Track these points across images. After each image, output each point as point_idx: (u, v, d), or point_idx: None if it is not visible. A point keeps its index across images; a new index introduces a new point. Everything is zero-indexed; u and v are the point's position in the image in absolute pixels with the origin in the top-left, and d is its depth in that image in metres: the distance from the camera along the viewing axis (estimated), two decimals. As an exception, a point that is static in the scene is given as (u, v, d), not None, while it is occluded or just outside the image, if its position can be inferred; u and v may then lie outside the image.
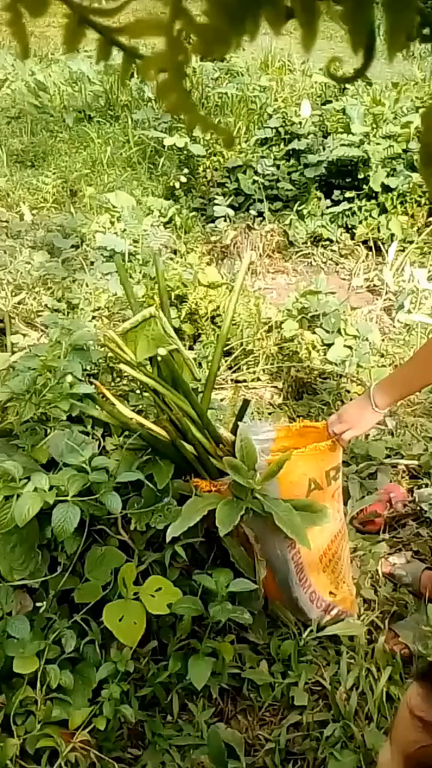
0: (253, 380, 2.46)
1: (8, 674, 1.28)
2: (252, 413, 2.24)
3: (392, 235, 3.24)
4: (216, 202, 3.45)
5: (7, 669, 1.27)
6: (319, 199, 3.48)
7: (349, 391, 2.35)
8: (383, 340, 2.65)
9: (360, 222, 3.35)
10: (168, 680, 1.41)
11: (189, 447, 1.40)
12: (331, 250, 3.35)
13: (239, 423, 1.46)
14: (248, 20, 0.31)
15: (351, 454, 2.05)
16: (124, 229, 3.21)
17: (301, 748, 1.38)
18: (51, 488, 1.21)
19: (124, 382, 1.77)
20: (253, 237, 3.27)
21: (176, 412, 1.38)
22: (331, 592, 1.53)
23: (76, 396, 1.40)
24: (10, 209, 3.64)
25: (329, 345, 2.51)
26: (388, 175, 3.31)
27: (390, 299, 2.92)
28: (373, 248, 3.28)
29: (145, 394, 1.60)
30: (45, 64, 6.03)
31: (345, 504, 1.69)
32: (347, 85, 4.19)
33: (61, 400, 1.34)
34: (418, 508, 1.90)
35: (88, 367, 1.58)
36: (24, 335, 2.42)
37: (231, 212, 3.42)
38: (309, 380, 2.42)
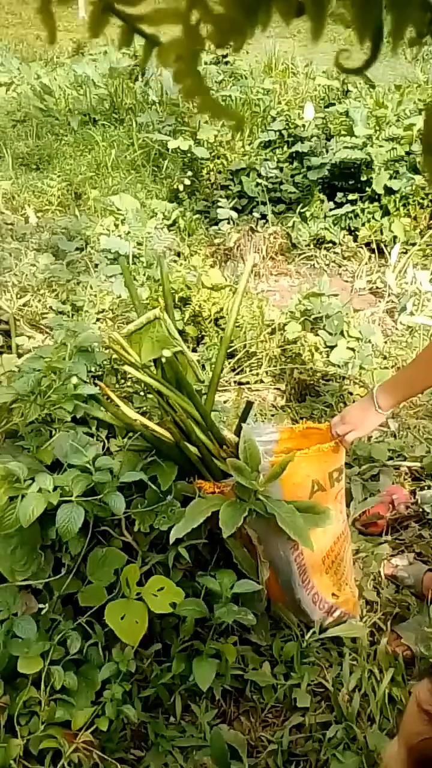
0: (256, 382, 2.47)
1: (12, 674, 1.29)
2: (255, 415, 2.25)
3: (395, 237, 3.25)
4: (219, 204, 3.47)
5: (11, 669, 1.28)
6: (322, 201, 3.49)
7: (351, 393, 2.36)
8: (386, 342, 2.66)
9: (363, 224, 3.36)
10: (171, 681, 1.42)
11: (193, 448, 1.41)
12: (334, 253, 3.35)
13: (243, 425, 1.46)
14: (261, 11, 0.32)
15: (353, 456, 2.06)
16: (128, 232, 3.23)
17: (304, 750, 1.38)
18: (55, 489, 1.22)
19: (128, 383, 1.78)
20: (257, 239, 3.28)
21: (180, 413, 1.39)
22: (333, 594, 1.53)
23: (80, 397, 1.41)
24: (15, 212, 3.66)
25: (332, 347, 2.51)
26: (390, 178, 3.32)
27: (393, 301, 2.93)
28: (376, 250, 3.28)
29: (149, 395, 1.61)
30: (50, 68, 6.07)
31: (347, 506, 1.69)
32: (350, 88, 4.20)
33: (65, 402, 1.35)
34: (421, 510, 1.90)
35: (92, 369, 1.59)
36: (29, 337, 2.44)
37: (234, 215, 3.43)
38: (312, 382, 2.43)
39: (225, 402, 2.27)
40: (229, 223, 3.39)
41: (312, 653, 1.51)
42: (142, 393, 1.71)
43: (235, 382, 2.48)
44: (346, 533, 1.54)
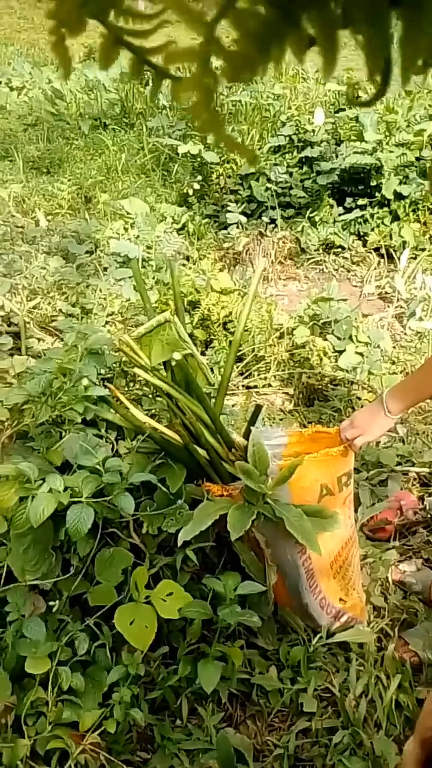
0: (264, 386, 2.47)
1: (20, 674, 1.29)
2: (263, 419, 2.25)
3: (404, 242, 3.25)
4: (229, 209, 3.48)
5: (19, 669, 1.28)
6: (332, 206, 3.49)
7: (360, 398, 2.36)
8: (395, 347, 2.65)
9: (372, 229, 3.36)
10: (178, 684, 1.42)
11: (201, 451, 1.42)
12: (343, 258, 3.36)
13: (251, 428, 1.46)
14: (274, 47, 0.33)
15: (362, 461, 2.05)
16: (138, 236, 3.24)
17: (310, 755, 1.37)
18: (65, 489, 1.22)
19: (138, 386, 1.79)
20: (266, 244, 3.29)
21: (189, 416, 1.39)
22: (341, 599, 1.53)
23: (90, 399, 1.42)
24: (25, 215, 3.68)
25: (341, 352, 2.51)
26: (400, 183, 3.32)
27: (402, 306, 2.92)
28: (385, 256, 3.28)
29: (159, 398, 1.62)
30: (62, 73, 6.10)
31: (355, 511, 1.69)
32: (360, 94, 4.20)
33: (76, 403, 1.36)
34: (429, 515, 1.89)
35: (102, 371, 1.60)
36: (39, 339, 2.45)
37: (243, 219, 3.44)
38: (320, 387, 2.43)
39: (233, 406, 2.28)
40: (238, 227, 3.40)
41: (319, 658, 1.51)
42: (151, 395, 1.72)
43: (243, 386, 2.48)
44: (354, 538, 1.54)
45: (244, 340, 2.49)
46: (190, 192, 3.70)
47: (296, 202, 3.57)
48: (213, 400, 1.51)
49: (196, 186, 3.71)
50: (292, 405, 2.40)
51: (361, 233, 3.40)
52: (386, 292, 3.08)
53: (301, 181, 3.59)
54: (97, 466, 1.29)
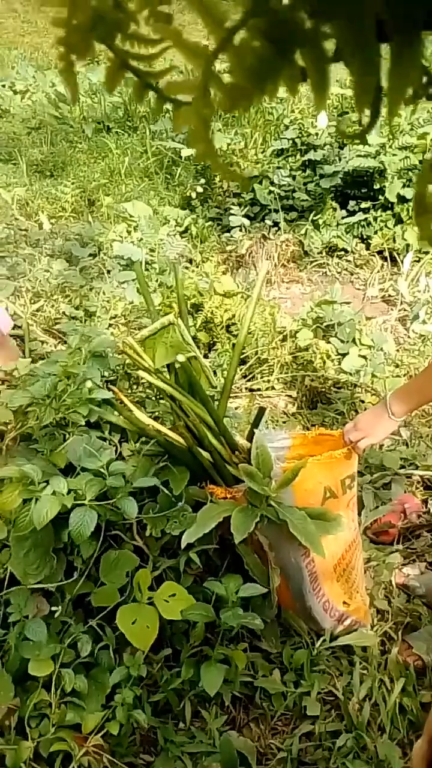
0: (267, 389, 2.47)
1: (23, 677, 1.29)
2: (266, 422, 2.25)
3: (407, 245, 3.25)
4: (232, 212, 3.48)
5: (22, 671, 1.28)
6: (335, 209, 3.50)
7: (363, 401, 2.35)
8: (398, 350, 2.65)
9: (375, 232, 3.36)
10: (181, 687, 1.42)
11: (205, 454, 1.42)
12: (346, 260, 3.36)
13: (255, 430, 1.47)
14: (269, 81, 0.35)
15: (365, 464, 2.05)
16: (141, 239, 3.25)
17: (313, 758, 1.37)
18: (69, 492, 1.23)
19: (141, 388, 1.79)
20: (269, 247, 3.29)
21: (193, 418, 1.39)
22: (344, 602, 1.52)
23: (94, 402, 1.42)
24: (29, 218, 3.70)
25: (344, 355, 2.51)
26: (403, 186, 3.32)
27: (405, 309, 2.92)
28: (388, 258, 3.28)
29: (162, 400, 1.62)
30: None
31: (359, 514, 1.68)
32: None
33: (80, 406, 1.36)
34: (433, 519, 1.89)
35: (106, 374, 1.60)
36: (42, 342, 2.46)
37: (246, 222, 3.45)
38: (323, 390, 2.43)
39: (236, 408, 2.28)
40: (241, 230, 3.41)
41: (322, 661, 1.51)
42: (154, 398, 1.72)
43: (246, 388, 2.48)
44: (358, 541, 1.54)
45: (247, 343, 2.49)
46: (193, 195, 3.71)
47: (299, 205, 3.57)
48: (216, 403, 1.51)
49: (199, 189, 3.71)
50: (295, 408, 2.40)
51: (365, 236, 3.40)
52: (389, 295, 3.08)
53: (304, 184, 3.59)
54: (101, 469, 1.30)
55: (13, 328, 2.47)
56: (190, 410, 1.40)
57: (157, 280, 2.95)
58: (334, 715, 1.44)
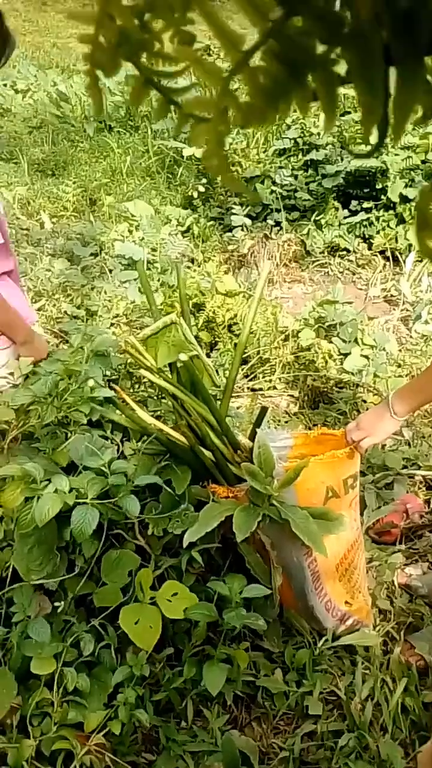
0: (269, 388, 2.47)
1: (26, 675, 1.29)
2: (268, 421, 2.25)
3: (410, 245, 3.25)
4: (233, 211, 3.48)
5: (24, 670, 1.28)
6: (337, 209, 3.50)
7: (365, 401, 2.35)
8: (400, 350, 2.65)
9: (377, 232, 3.36)
10: (183, 686, 1.41)
11: (207, 453, 1.41)
12: (348, 260, 3.36)
13: (257, 430, 1.46)
14: (282, 101, 0.36)
15: (367, 464, 2.05)
16: (143, 238, 3.25)
17: (315, 758, 1.37)
18: (71, 490, 1.22)
19: (143, 387, 1.79)
20: (271, 246, 3.29)
21: (195, 417, 1.39)
22: (346, 602, 1.52)
23: (96, 400, 1.42)
24: (30, 217, 3.70)
25: (346, 354, 2.51)
26: (406, 186, 3.32)
27: (407, 309, 2.92)
28: (391, 258, 3.28)
29: (164, 399, 1.62)
30: (67, 75, 6.14)
31: (361, 514, 1.68)
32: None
33: (82, 404, 1.36)
34: (435, 519, 1.89)
35: (108, 373, 1.60)
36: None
37: (248, 222, 3.44)
38: (325, 389, 2.43)
39: (239, 408, 2.28)
40: (243, 230, 3.41)
41: (324, 661, 1.50)
42: (156, 397, 1.72)
43: (248, 388, 2.48)
44: (360, 541, 1.54)
45: (249, 343, 2.49)
46: (195, 194, 3.71)
47: (301, 205, 3.57)
48: (218, 402, 1.51)
49: (201, 188, 3.71)
50: (297, 407, 2.40)
51: (367, 236, 3.40)
52: (392, 295, 3.08)
53: (306, 183, 3.59)
54: (103, 468, 1.29)
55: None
56: (192, 409, 1.40)
57: (158, 280, 2.95)
58: (337, 715, 1.44)
